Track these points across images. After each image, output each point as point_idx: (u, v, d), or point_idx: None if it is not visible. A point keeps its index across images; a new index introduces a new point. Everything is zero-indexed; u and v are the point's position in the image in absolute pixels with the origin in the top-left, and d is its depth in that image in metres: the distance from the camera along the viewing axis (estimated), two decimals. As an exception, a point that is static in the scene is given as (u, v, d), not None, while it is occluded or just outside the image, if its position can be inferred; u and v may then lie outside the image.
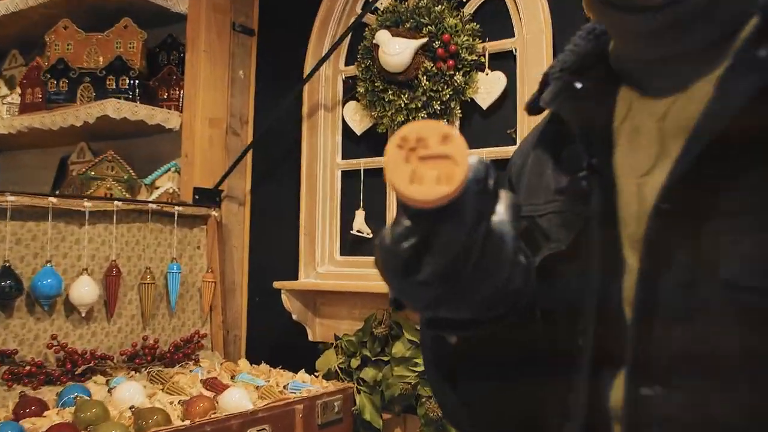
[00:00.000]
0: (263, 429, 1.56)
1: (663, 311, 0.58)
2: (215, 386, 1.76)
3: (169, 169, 2.31)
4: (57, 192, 2.46)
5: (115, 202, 1.92)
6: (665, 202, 0.58)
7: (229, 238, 2.33)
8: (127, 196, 2.24)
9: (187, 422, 1.45)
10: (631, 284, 0.61)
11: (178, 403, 1.58)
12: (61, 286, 1.77)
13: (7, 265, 1.69)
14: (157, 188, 2.29)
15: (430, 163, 0.48)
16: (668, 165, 0.59)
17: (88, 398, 1.55)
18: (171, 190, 2.28)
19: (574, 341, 0.66)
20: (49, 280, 1.74)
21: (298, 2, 2.27)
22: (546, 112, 0.78)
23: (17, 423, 1.38)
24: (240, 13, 2.40)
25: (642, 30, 0.63)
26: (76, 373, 1.80)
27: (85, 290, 1.82)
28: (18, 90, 2.56)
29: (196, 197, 2.23)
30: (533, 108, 0.77)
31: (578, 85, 0.70)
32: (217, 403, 1.62)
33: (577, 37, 0.75)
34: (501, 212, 0.52)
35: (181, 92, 2.32)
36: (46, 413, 1.49)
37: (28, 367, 1.71)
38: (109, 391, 1.67)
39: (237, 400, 1.61)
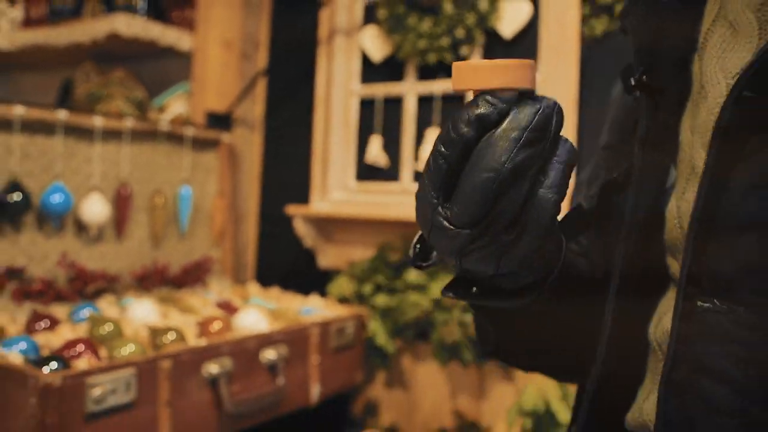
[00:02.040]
0: (282, 349, 1.55)
1: (731, 217, 0.52)
2: (229, 308, 1.75)
3: (179, 91, 2.25)
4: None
5: (127, 121, 1.87)
6: (747, 88, 0.50)
7: (241, 163, 2.29)
8: (139, 116, 2.18)
9: (204, 341, 1.44)
10: (694, 188, 0.55)
11: (194, 323, 1.56)
12: (71, 203, 1.73)
13: (17, 180, 1.65)
14: (166, 110, 2.24)
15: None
16: None
17: (101, 315, 1.53)
18: (181, 114, 2.23)
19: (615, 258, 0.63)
20: (58, 197, 1.71)
21: None
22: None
23: (29, 337, 1.36)
24: (255, -70, 2.32)
25: None
26: (87, 292, 1.78)
27: (95, 208, 1.78)
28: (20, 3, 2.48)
29: (208, 121, 2.19)
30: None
31: None
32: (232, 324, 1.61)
33: None
34: (557, 160, 0.48)
35: (194, 12, 2.25)
36: (57, 329, 1.47)
37: (36, 284, 1.69)
38: (121, 311, 1.65)
39: (253, 321, 1.60)
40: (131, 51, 2.28)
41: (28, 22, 2.32)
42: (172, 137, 2.02)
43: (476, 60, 0.50)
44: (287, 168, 2.24)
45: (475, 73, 0.46)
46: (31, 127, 1.68)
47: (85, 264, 1.79)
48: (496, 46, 1.86)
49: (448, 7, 1.82)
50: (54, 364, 1.22)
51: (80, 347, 1.31)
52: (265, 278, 2.24)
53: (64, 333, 1.45)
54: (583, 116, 1.73)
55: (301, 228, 2.05)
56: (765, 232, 0.50)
